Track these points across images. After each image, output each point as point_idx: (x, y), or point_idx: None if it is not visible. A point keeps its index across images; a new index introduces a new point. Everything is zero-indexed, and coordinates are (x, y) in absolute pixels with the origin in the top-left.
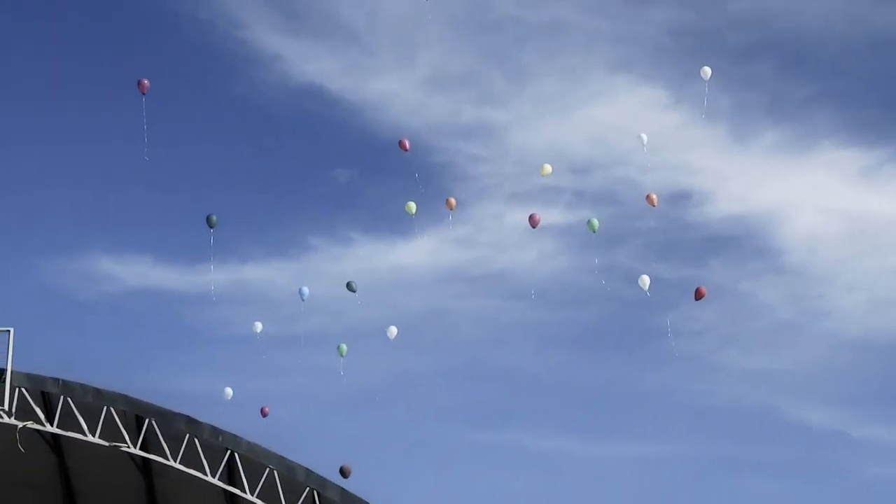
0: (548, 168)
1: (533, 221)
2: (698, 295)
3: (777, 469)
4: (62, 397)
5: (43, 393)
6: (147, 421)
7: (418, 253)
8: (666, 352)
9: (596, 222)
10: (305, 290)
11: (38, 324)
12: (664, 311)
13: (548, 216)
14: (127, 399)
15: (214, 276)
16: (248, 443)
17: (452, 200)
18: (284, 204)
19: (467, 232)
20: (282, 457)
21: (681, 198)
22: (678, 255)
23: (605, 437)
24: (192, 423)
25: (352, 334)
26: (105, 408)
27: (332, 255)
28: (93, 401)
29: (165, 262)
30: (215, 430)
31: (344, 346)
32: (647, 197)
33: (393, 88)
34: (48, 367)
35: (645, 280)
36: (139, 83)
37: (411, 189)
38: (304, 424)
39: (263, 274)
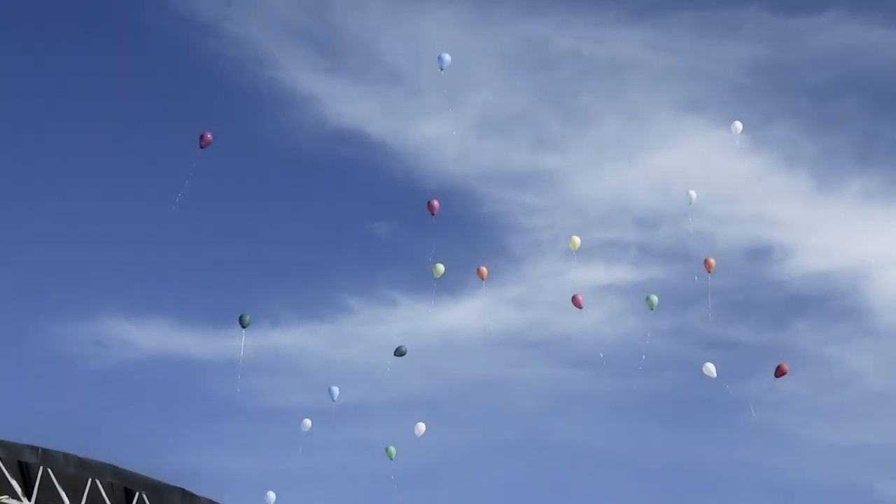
0: (576, 241)
1: (576, 302)
2: (779, 372)
3: None
4: (41, 468)
5: (20, 463)
6: (137, 495)
7: (468, 315)
8: (745, 424)
9: (655, 299)
10: (335, 389)
11: (45, 394)
12: (743, 380)
13: (612, 274)
14: (114, 470)
15: (242, 342)
16: None
17: (484, 270)
18: (319, 261)
19: (522, 292)
20: None
21: (760, 253)
22: (757, 317)
23: None
24: (187, 497)
25: (395, 406)
26: (90, 480)
27: (371, 317)
28: (76, 472)
29: (187, 325)
30: None
31: (393, 449)
32: (705, 262)
33: (438, 132)
34: (54, 441)
35: (710, 368)
36: (202, 137)
37: (459, 244)
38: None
39: (296, 339)
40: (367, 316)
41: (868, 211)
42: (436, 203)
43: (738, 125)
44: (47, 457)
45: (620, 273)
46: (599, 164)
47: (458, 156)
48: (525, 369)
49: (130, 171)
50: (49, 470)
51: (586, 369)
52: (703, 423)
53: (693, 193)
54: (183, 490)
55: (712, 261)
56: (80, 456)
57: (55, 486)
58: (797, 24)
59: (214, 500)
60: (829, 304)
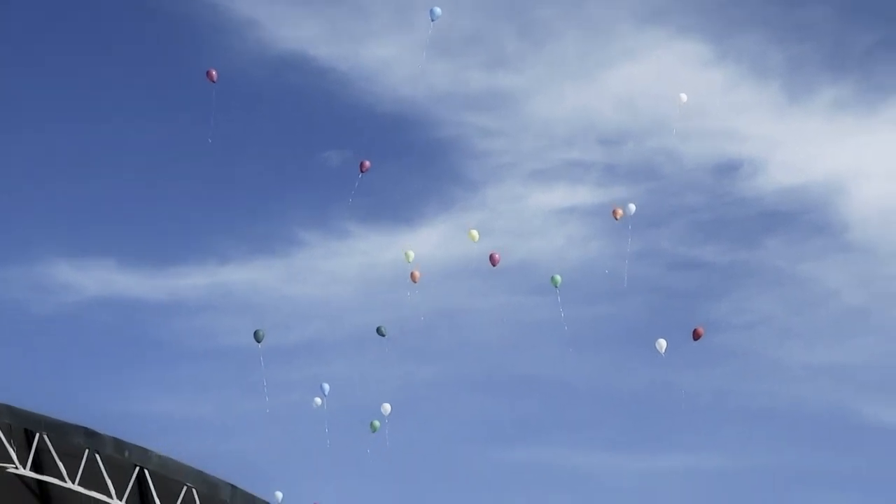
0: (475, 234)
1: (493, 261)
2: (695, 336)
3: (852, 479)
4: None
5: None
6: (38, 436)
7: (425, 244)
8: (717, 348)
9: (559, 278)
10: (326, 386)
11: None
12: (714, 301)
13: (575, 195)
14: (11, 411)
15: (191, 281)
16: (160, 457)
17: (417, 274)
18: (268, 193)
19: (482, 218)
20: (201, 472)
21: (729, 169)
22: (728, 236)
23: (650, 450)
24: (91, 436)
25: (353, 341)
26: None
27: (326, 250)
28: None
29: (131, 266)
30: (120, 444)
31: (377, 423)
32: (613, 212)
33: (389, 54)
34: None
35: (662, 343)
36: (208, 73)
37: (415, 170)
38: (287, 448)
39: (246, 275)
40: (322, 249)
41: (840, 121)
42: (367, 163)
43: (684, 97)
44: None
45: (584, 194)
46: (560, 82)
47: (410, 78)
48: (487, 299)
49: (64, 106)
50: None
51: (551, 296)
52: (675, 348)
53: (684, 96)
54: (86, 429)
55: (620, 211)
56: None
57: None
58: None
59: (120, 438)
60: (802, 219)
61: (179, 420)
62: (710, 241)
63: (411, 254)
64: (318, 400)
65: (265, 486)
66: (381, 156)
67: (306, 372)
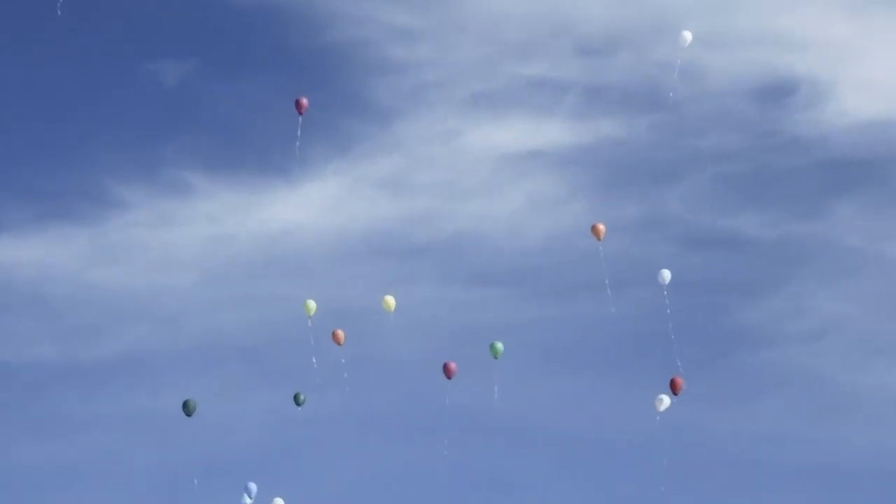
0: (391, 301)
1: (448, 371)
2: (674, 388)
3: None
4: None
5: None
6: None
7: (311, 206)
8: (759, 372)
9: (500, 347)
10: (253, 486)
11: None
12: (751, 300)
13: (540, 133)
14: None
15: None
16: None
17: (341, 334)
18: (69, 128)
19: (396, 166)
20: None
21: (775, 95)
22: (774, 197)
23: None
24: None
25: (197, 355)
26: None
27: (154, 214)
28: None
29: None
30: None
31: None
32: (593, 228)
33: None
34: None
35: (665, 275)
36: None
37: (293, 93)
38: None
39: (32, 252)
40: (149, 213)
41: None
42: (304, 101)
43: (688, 35)
44: None
45: (553, 131)
46: None
47: None
48: (406, 291)
49: None
50: None
51: (503, 287)
52: (693, 371)
53: (688, 35)
54: None
55: (601, 227)
56: None
57: None
58: None
59: None
60: (889, 171)
61: None
62: (748, 205)
63: (312, 304)
64: (252, 489)
65: None
66: (240, 71)
67: (126, 404)
